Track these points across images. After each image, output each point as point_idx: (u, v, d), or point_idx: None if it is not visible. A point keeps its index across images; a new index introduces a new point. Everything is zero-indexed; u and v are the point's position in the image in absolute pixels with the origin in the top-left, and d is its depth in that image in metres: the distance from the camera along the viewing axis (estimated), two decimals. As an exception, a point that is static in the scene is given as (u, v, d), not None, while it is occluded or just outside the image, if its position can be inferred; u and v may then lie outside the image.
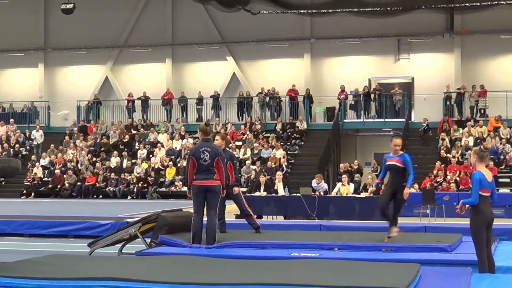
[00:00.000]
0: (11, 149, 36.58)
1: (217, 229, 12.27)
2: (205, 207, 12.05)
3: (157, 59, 38.92)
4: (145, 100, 37.94)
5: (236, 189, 13.40)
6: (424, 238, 12.50)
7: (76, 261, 10.30)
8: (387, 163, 12.23)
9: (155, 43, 38.82)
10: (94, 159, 35.12)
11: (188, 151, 15.00)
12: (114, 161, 34.33)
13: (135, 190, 32.46)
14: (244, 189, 23.33)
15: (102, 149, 35.64)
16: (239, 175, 23.31)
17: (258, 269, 9.35)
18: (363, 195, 22.89)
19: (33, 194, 33.58)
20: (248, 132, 34.60)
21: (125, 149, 35.18)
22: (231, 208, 14.37)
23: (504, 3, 30.00)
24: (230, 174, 13.15)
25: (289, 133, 34.80)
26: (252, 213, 13.71)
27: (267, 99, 36.44)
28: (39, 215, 19.35)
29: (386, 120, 34.41)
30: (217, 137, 13.46)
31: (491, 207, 9.68)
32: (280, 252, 11.30)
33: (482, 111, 33.74)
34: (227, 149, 14.06)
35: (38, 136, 37.32)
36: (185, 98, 37.47)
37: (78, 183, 33.57)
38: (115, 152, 34.81)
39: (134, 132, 36.74)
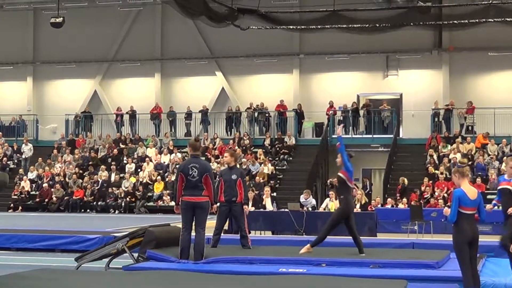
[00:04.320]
0: (-1, 163, 36.49)
1: (206, 244, 12.27)
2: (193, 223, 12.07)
3: (146, 74, 38.91)
4: (132, 115, 37.91)
5: (246, 207, 13.46)
6: (412, 255, 12.52)
7: (63, 275, 10.27)
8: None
9: (144, 58, 38.83)
10: (82, 172, 35.00)
11: (177, 166, 15.03)
12: (102, 175, 34.23)
13: (123, 204, 32.38)
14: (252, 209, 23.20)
15: (90, 163, 35.54)
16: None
17: (245, 284, 9.35)
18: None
19: (20, 207, 33.42)
20: (236, 147, 34.58)
21: (113, 163, 35.09)
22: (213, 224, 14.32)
23: (492, 20, 30.11)
24: (239, 191, 13.20)
25: (278, 149, 34.82)
26: (248, 236, 13.70)
27: (256, 114, 36.47)
28: (26, 229, 19.27)
29: (375, 136, 34.48)
30: (226, 154, 13.58)
31: (475, 225, 9.64)
32: (268, 267, 11.30)
33: (470, 128, 33.88)
34: (237, 165, 14.01)
35: (27, 150, 37.18)
36: (174, 113, 37.46)
37: (66, 197, 33.46)
38: (103, 166, 34.72)
39: (122, 146, 36.67)
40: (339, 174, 12.70)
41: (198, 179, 11.87)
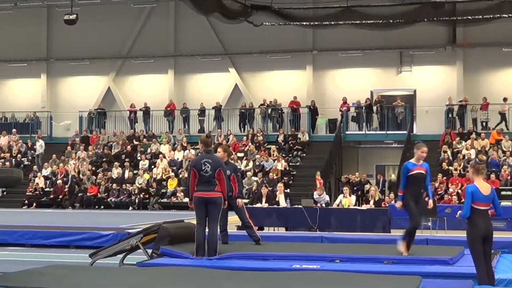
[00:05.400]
0: (13, 159, 36.58)
1: (219, 241, 12.27)
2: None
3: (160, 70, 38.97)
4: (146, 111, 37.97)
5: (239, 201, 13.44)
6: (426, 251, 12.48)
7: (77, 271, 10.29)
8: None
9: (158, 54, 38.89)
10: (95, 169, 35.08)
11: (190, 163, 15.03)
12: (115, 171, 34.32)
13: (136, 200, 32.44)
14: (246, 201, 23.24)
15: (104, 159, 35.63)
16: (243, 187, 23.22)
17: (259, 280, 9.35)
18: (364, 207, 22.87)
19: (34, 204, 33.53)
20: (250, 144, 34.58)
21: (127, 160, 35.16)
22: (233, 220, 14.37)
23: (507, 16, 30.02)
24: (234, 186, 13.19)
25: (291, 145, 34.78)
26: (253, 225, 13.73)
27: (269, 110, 36.45)
28: (41, 225, 19.33)
29: (388, 132, 34.41)
30: (219, 149, 13.51)
31: (489, 220, 9.59)
32: (282, 264, 11.28)
33: (484, 123, 33.76)
34: (230, 161, 14.05)
35: (38, 146, 37.30)
36: (187, 109, 37.49)
37: (80, 194, 33.55)
38: (117, 163, 34.80)
39: (136, 142, 36.75)
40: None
41: (211, 174, 11.86)
